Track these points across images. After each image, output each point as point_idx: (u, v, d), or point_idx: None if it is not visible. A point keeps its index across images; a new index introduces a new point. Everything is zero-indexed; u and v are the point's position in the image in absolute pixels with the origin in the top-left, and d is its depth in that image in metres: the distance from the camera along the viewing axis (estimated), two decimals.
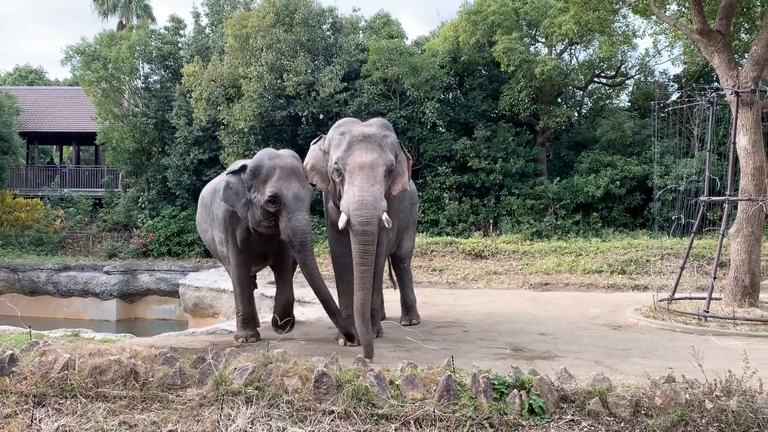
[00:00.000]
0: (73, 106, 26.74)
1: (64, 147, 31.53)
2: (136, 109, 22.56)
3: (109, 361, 5.36)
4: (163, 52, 22.75)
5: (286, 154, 7.25)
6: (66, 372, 5.26)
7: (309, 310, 10.27)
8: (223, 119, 19.37)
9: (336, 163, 6.68)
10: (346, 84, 19.33)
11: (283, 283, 7.91)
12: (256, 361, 5.30)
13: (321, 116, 19.08)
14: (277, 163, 6.98)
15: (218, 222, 7.62)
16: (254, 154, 21.48)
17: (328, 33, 21.06)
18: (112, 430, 4.79)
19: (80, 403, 5.07)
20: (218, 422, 4.77)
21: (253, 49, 18.94)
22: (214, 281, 15.40)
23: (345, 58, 19.59)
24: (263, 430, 4.69)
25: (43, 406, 5.11)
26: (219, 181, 7.68)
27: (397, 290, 9.21)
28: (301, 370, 5.18)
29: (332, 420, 4.72)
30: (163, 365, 5.43)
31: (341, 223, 6.44)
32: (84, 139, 26.42)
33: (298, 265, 7.48)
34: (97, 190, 24.52)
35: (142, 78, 23.46)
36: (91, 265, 19.44)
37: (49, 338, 6.62)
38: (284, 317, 7.61)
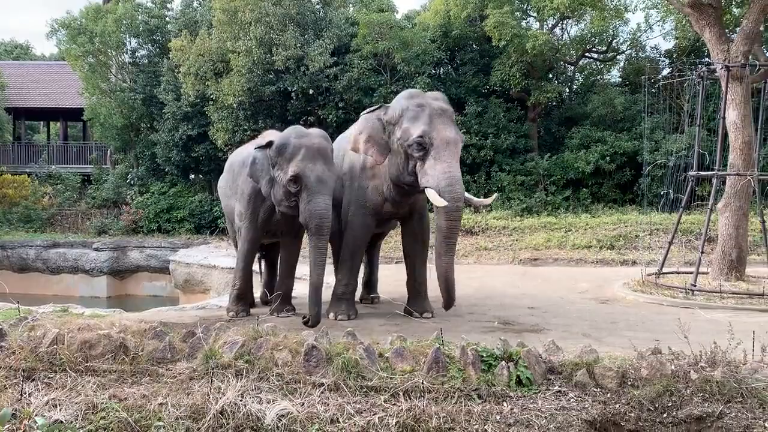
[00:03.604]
0: (59, 82, 26.36)
1: (51, 123, 31.16)
2: (124, 84, 22.28)
3: (98, 335, 5.36)
4: (150, 26, 22.40)
5: (316, 134, 7.03)
6: (55, 347, 5.26)
7: (300, 285, 10.27)
8: (211, 94, 19.17)
9: (421, 136, 6.53)
10: (336, 58, 19.14)
11: (290, 268, 7.80)
12: (246, 335, 5.33)
13: (311, 91, 18.91)
14: (304, 142, 6.79)
15: (242, 196, 7.50)
16: (243, 129, 21.18)
17: (317, 6, 20.80)
18: (102, 403, 4.81)
19: (70, 377, 5.08)
20: (208, 395, 4.80)
21: (242, 22, 18.67)
22: (205, 257, 15.39)
23: (335, 32, 19.37)
24: (253, 402, 4.72)
25: (33, 380, 5.11)
26: (249, 154, 7.48)
27: (378, 269, 9.15)
28: (291, 343, 5.21)
29: (322, 392, 4.76)
30: (153, 339, 5.44)
31: (434, 199, 6.38)
32: (71, 114, 26.11)
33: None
34: (86, 166, 24.28)
35: (129, 53, 23.11)
36: (81, 242, 19.36)
37: (38, 314, 6.61)
38: (277, 300, 7.54)
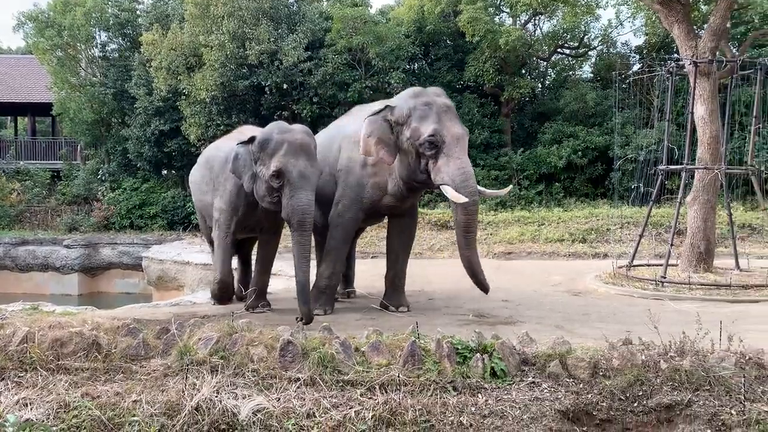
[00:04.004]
0: (27, 76, 25.76)
1: (18, 118, 30.48)
2: (94, 78, 21.89)
3: (70, 333, 5.29)
4: (121, 19, 22.04)
5: (298, 129, 6.99)
6: (25, 345, 5.18)
7: (275, 281, 10.24)
8: (184, 89, 18.94)
9: (432, 135, 6.55)
10: (310, 53, 19.05)
11: (266, 264, 7.79)
12: (221, 331, 5.30)
13: (285, 86, 18.80)
14: (287, 137, 6.75)
15: (225, 193, 7.45)
16: (217, 124, 21.00)
17: (291, 0, 20.67)
18: (74, 402, 4.75)
19: (41, 375, 5.01)
20: (183, 392, 4.77)
21: (214, 16, 18.47)
22: (178, 254, 15.22)
23: (308, 26, 19.27)
24: (229, 398, 4.70)
25: (2, 379, 5.03)
26: (230, 150, 7.41)
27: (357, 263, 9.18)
28: (266, 339, 5.19)
29: (298, 387, 4.76)
30: (126, 336, 5.38)
31: (452, 196, 6.43)
32: (39, 109, 25.53)
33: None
34: (55, 162, 23.81)
35: (99, 46, 22.71)
36: (51, 239, 19.03)
37: (7, 312, 6.49)
38: (252, 296, 7.57)
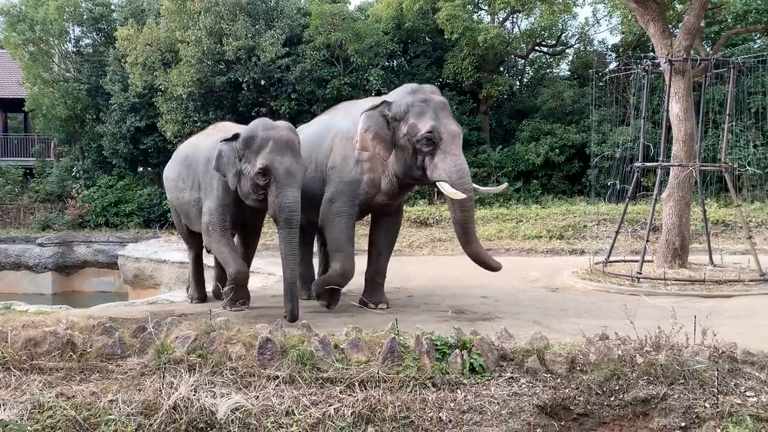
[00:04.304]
0: None
1: None
2: (68, 74, 21.56)
3: (44, 332, 5.19)
4: (95, 14, 21.73)
5: (283, 126, 6.92)
6: None
7: (253, 279, 10.18)
8: (160, 85, 18.73)
9: (430, 131, 6.57)
10: (288, 49, 18.95)
11: (248, 263, 7.71)
12: (199, 329, 5.24)
13: (263, 82, 18.69)
14: (272, 134, 6.68)
15: (211, 191, 7.25)
16: (193, 121, 20.80)
17: None
18: (48, 402, 4.66)
19: (14, 375, 4.91)
20: (160, 391, 4.71)
21: (191, 12, 18.29)
22: (155, 252, 15.08)
23: (286, 22, 19.16)
24: (207, 396, 4.66)
25: None
26: (211, 147, 7.25)
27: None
28: (244, 337, 5.15)
29: (277, 385, 4.73)
30: (102, 335, 5.30)
31: (449, 192, 6.45)
32: (11, 105, 25.08)
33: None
34: (28, 159, 23.42)
35: (72, 41, 22.39)
36: (24, 237, 18.73)
37: None
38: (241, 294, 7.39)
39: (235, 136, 6.85)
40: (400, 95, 6.99)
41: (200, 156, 7.56)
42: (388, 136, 6.84)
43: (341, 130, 7.43)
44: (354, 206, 7.29)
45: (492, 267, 7.04)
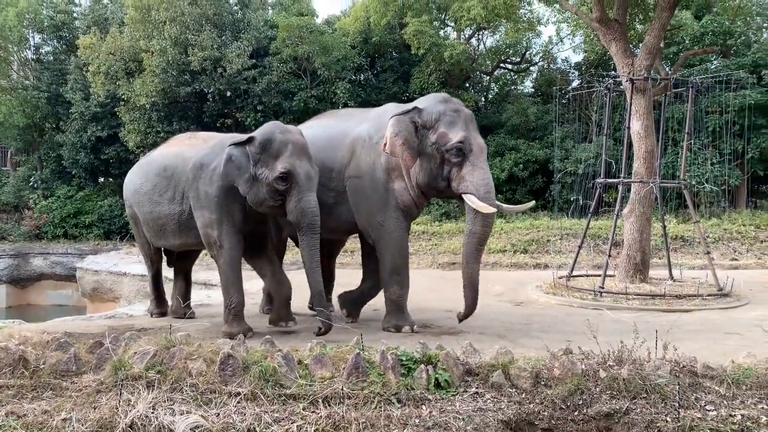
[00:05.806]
0: None
1: None
2: (27, 81, 21.09)
3: None
4: (56, 21, 21.32)
5: (295, 130, 6.70)
6: None
7: (215, 293, 10.01)
8: (123, 95, 18.42)
9: (461, 142, 6.45)
10: (254, 61, 18.85)
11: (279, 272, 7.16)
12: (158, 344, 5.11)
13: (228, 93, 18.54)
14: (290, 138, 6.46)
15: (208, 200, 6.69)
16: (157, 131, 20.44)
17: (235, 8, 20.44)
18: None
19: None
20: (117, 408, 4.56)
21: (156, 21, 18.06)
22: (115, 264, 14.75)
23: (253, 34, 19.07)
24: (166, 414, 4.52)
25: None
26: (202, 154, 6.87)
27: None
28: (206, 352, 5.03)
29: (238, 402, 4.63)
30: (56, 351, 5.13)
31: (477, 205, 6.34)
32: None
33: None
34: None
35: (32, 48, 21.92)
36: None
37: None
38: (282, 312, 6.99)
39: (250, 140, 6.52)
40: (431, 103, 6.83)
41: (186, 165, 7.01)
42: (416, 144, 6.64)
43: (362, 136, 7.08)
44: (400, 218, 6.96)
45: (472, 302, 6.80)
